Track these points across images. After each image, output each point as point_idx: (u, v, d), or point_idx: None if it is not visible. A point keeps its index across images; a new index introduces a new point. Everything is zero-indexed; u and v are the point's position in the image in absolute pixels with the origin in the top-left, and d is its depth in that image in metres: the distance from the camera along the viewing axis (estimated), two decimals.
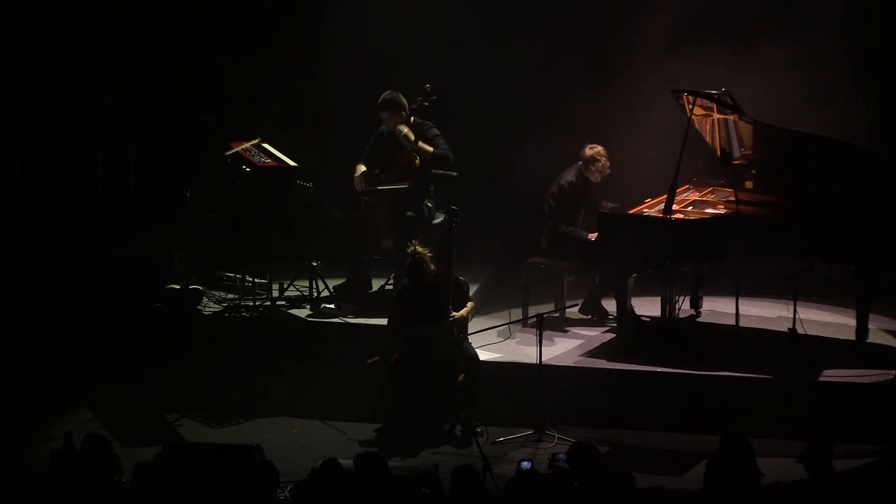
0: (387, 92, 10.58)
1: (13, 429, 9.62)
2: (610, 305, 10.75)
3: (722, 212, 10.18)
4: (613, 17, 12.20)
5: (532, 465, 7.16)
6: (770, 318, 10.76)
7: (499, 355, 10.08)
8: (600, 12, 12.21)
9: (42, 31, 12.64)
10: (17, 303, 10.83)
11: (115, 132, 12.37)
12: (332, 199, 11.03)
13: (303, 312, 10.65)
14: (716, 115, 10.29)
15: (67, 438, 7.40)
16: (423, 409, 9.46)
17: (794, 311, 10.05)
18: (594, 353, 10.14)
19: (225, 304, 10.73)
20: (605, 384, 9.74)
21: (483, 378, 9.53)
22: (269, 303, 10.71)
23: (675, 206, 9.93)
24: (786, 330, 10.18)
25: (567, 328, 10.60)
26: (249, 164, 10.49)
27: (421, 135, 10.51)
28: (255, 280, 10.81)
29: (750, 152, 10.41)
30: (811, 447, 6.96)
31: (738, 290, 9.75)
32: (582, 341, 10.40)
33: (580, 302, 10.89)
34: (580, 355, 10.10)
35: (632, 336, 10.20)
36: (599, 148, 10.66)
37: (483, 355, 9.77)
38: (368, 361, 9.70)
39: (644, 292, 10.81)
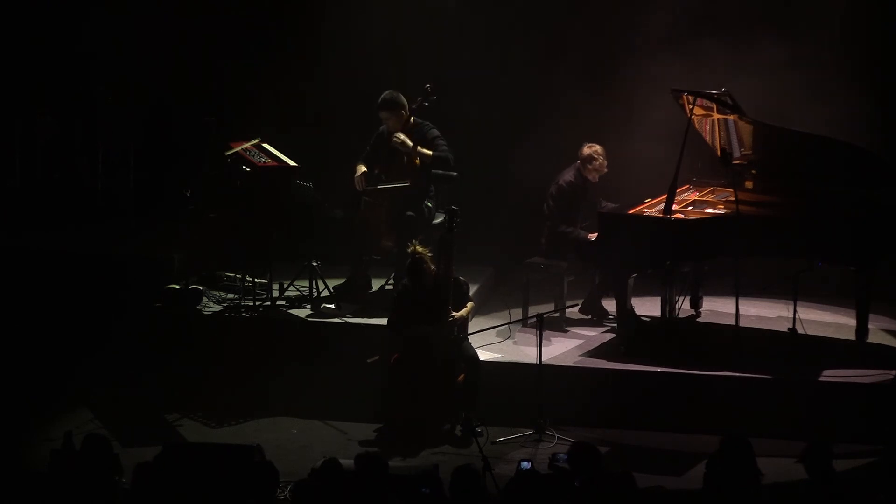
0: (386, 92, 10.58)
1: (13, 429, 9.62)
2: (610, 305, 10.75)
3: (722, 212, 10.18)
4: (613, 17, 12.21)
5: (532, 465, 7.16)
6: (770, 318, 10.76)
7: (499, 355, 10.08)
8: (600, 12, 12.22)
9: (42, 31, 12.64)
10: (17, 303, 10.83)
11: (115, 132, 12.39)
12: (332, 199, 11.04)
13: (303, 312, 10.65)
14: (716, 115, 10.29)
15: (67, 438, 7.40)
16: (423, 409, 9.45)
17: (794, 311, 10.05)
18: (594, 353, 10.14)
19: (225, 304, 10.73)
20: (605, 384, 9.74)
21: (483, 378, 9.53)
22: (269, 303, 10.71)
23: (675, 206, 9.93)
24: (786, 330, 10.19)
25: (567, 328, 10.60)
26: (249, 164, 10.49)
27: (420, 135, 10.51)
28: (255, 280, 10.81)
29: (750, 152, 10.41)
30: (811, 447, 6.96)
31: (738, 290, 9.75)
32: (582, 341, 10.40)
33: (580, 302, 10.89)
34: (580, 355, 10.10)
35: (632, 336, 10.20)
36: (597, 147, 10.66)
37: (483, 355, 9.77)
38: (368, 361, 9.70)
39: (644, 292, 10.81)
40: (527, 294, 10.67)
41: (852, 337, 9.94)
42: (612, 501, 6.62)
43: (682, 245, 9.89)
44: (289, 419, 9.81)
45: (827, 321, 10.76)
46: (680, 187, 10.26)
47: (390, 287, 10.76)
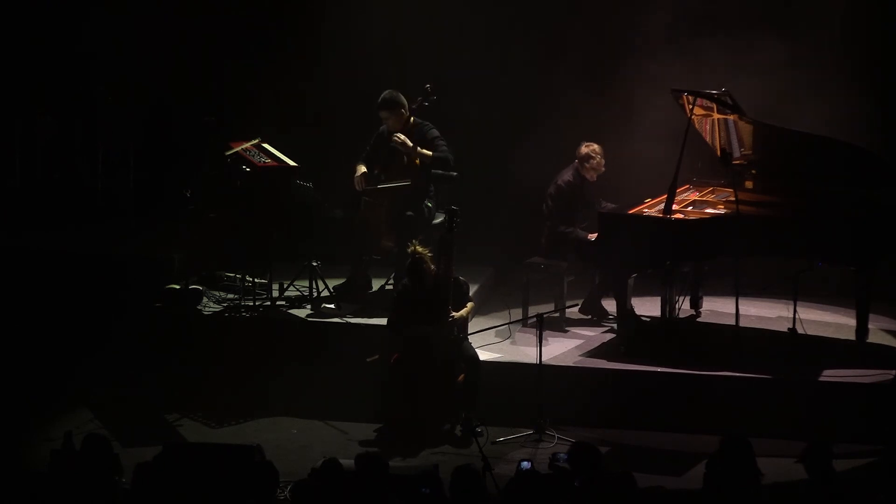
0: (386, 91, 10.58)
1: (13, 429, 9.62)
2: (610, 305, 10.75)
3: (722, 212, 10.18)
4: (613, 16, 12.21)
5: (532, 465, 7.16)
6: (770, 318, 10.76)
7: (499, 355, 10.07)
8: (600, 12, 12.22)
9: (42, 31, 12.64)
10: (17, 303, 10.83)
11: (115, 132, 12.39)
12: (332, 199, 11.04)
13: (303, 312, 10.65)
14: (716, 115, 10.29)
15: (67, 438, 7.39)
16: (423, 409, 9.45)
17: (794, 311, 10.05)
18: (594, 353, 10.14)
19: (225, 304, 10.73)
20: (605, 384, 9.74)
21: (483, 378, 9.53)
22: (269, 303, 10.71)
23: (675, 206, 9.93)
24: (786, 330, 10.19)
25: (567, 328, 10.60)
26: (249, 164, 10.49)
27: (420, 135, 10.51)
28: (255, 280, 10.81)
29: (750, 152, 10.41)
30: (811, 447, 6.96)
31: (738, 290, 9.75)
32: (582, 341, 10.40)
33: (580, 302, 10.89)
34: (580, 355, 10.09)
35: (632, 336, 10.19)
36: (595, 146, 10.67)
37: (483, 355, 9.77)
38: (368, 360, 9.70)
39: (644, 292, 10.81)
40: (527, 294, 10.67)
41: (852, 337, 9.94)
42: (612, 501, 6.62)
43: (682, 245, 9.89)
44: (289, 419, 9.81)
45: (827, 321, 10.76)
46: (680, 187, 10.26)
47: (390, 287, 10.75)
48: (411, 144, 10.45)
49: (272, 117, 11.81)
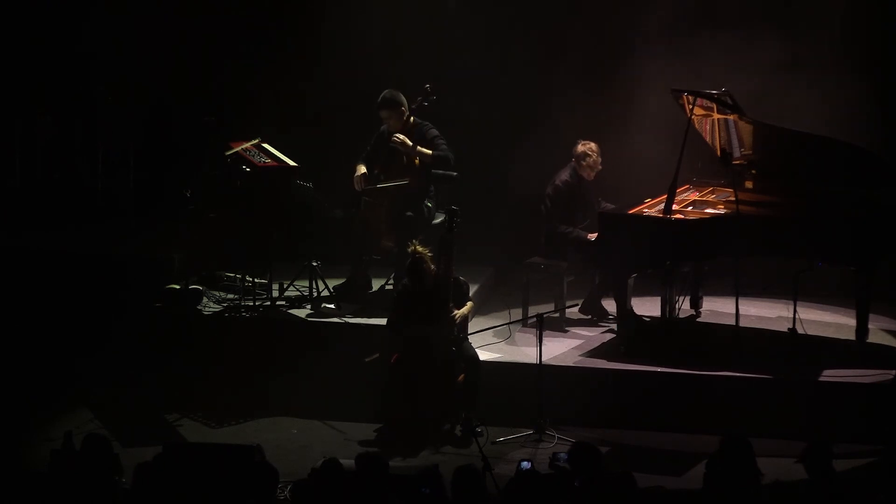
0: (386, 91, 10.59)
1: (13, 429, 9.62)
2: (610, 305, 10.75)
3: (722, 212, 10.18)
4: (613, 16, 12.20)
5: (532, 465, 7.16)
6: (770, 318, 10.76)
7: (499, 355, 10.07)
8: (600, 12, 12.21)
9: (42, 31, 12.64)
10: (17, 303, 10.83)
11: (115, 132, 12.39)
12: (332, 199, 11.04)
13: (303, 312, 10.65)
14: (716, 115, 10.29)
15: (67, 438, 7.39)
16: (423, 408, 9.45)
17: (794, 311, 10.05)
18: (594, 353, 10.14)
19: (225, 304, 10.73)
20: (605, 384, 9.74)
21: (483, 378, 9.53)
22: (269, 303, 10.71)
23: (675, 206, 9.93)
24: (786, 330, 10.19)
25: (567, 328, 10.60)
26: (249, 164, 10.49)
27: (420, 135, 10.52)
28: (255, 280, 10.81)
29: (750, 152, 10.41)
30: (811, 447, 6.96)
31: (738, 290, 9.75)
32: (582, 341, 10.40)
33: (580, 302, 10.89)
34: (580, 355, 10.09)
35: (632, 336, 10.19)
36: (591, 144, 10.67)
37: (483, 355, 9.77)
38: (367, 360, 9.69)
39: (644, 292, 10.81)
40: (527, 294, 10.67)
41: (852, 337, 9.94)
42: (612, 501, 6.62)
43: (682, 245, 9.89)
44: (289, 419, 9.81)
45: (827, 321, 10.76)
46: (680, 187, 10.26)
47: (390, 287, 10.76)
48: (411, 144, 10.45)
49: (272, 117, 11.81)
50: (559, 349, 10.13)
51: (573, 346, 10.29)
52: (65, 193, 12.39)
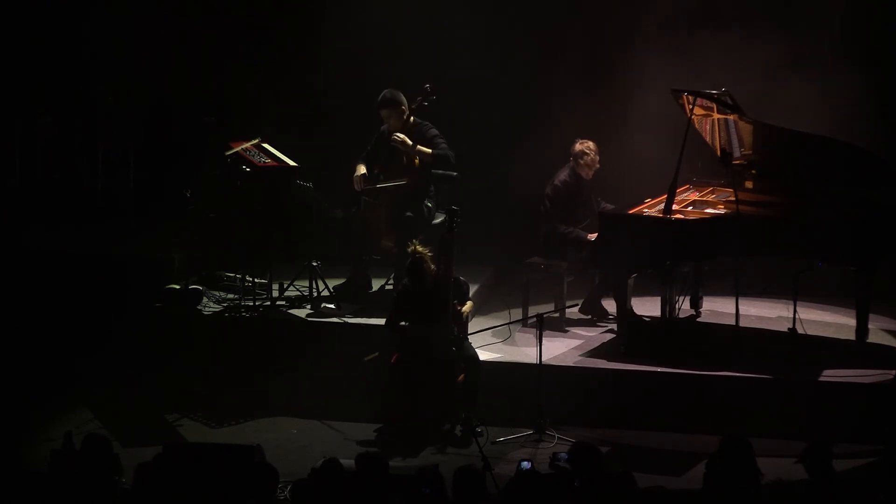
0: (386, 90, 10.60)
1: (13, 429, 9.62)
2: (610, 305, 10.75)
3: (722, 212, 10.18)
4: (613, 16, 12.20)
5: (532, 465, 7.16)
6: (770, 318, 10.76)
7: (499, 355, 10.07)
8: (600, 12, 12.21)
9: (42, 31, 12.64)
10: (17, 303, 10.83)
11: (115, 132, 12.39)
12: (332, 199, 11.04)
13: (303, 312, 10.65)
14: (716, 115, 10.29)
15: (67, 438, 7.39)
16: (424, 408, 9.45)
17: (794, 311, 10.05)
18: (594, 353, 10.14)
19: (225, 304, 10.73)
20: (605, 384, 9.74)
21: (483, 378, 9.53)
22: (269, 303, 10.71)
23: (675, 206, 9.93)
24: (786, 330, 10.19)
25: (567, 328, 10.59)
26: (249, 164, 10.49)
27: (420, 135, 10.52)
28: (255, 280, 10.81)
29: (750, 152, 10.41)
30: (811, 447, 6.96)
31: (738, 290, 9.75)
32: (582, 341, 10.40)
33: (580, 302, 10.89)
34: (580, 355, 10.09)
35: (632, 336, 10.19)
36: (589, 143, 10.68)
37: (483, 355, 9.77)
38: (366, 359, 9.68)
39: (644, 292, 10.81)
40: (527, 294, 10.67)
41: (852, 337, 9.94)
42: (612, 501, 6.62)
43: (682, 245, 9.89)
44: (289, 419, 9.81)
45: (827, 321, 10.76)
46: (680, 187, 10.26)
47: (390, 287, 10.76)
48: (411, 143, 10.45)
49: (272, 117, 11.81)
50: (559, 349, 10.13)
51: (573, 346, 10.29)
52: (65, 193, 12.39)
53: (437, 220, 10.62)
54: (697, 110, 10.15)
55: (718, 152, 10.40)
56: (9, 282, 10.95)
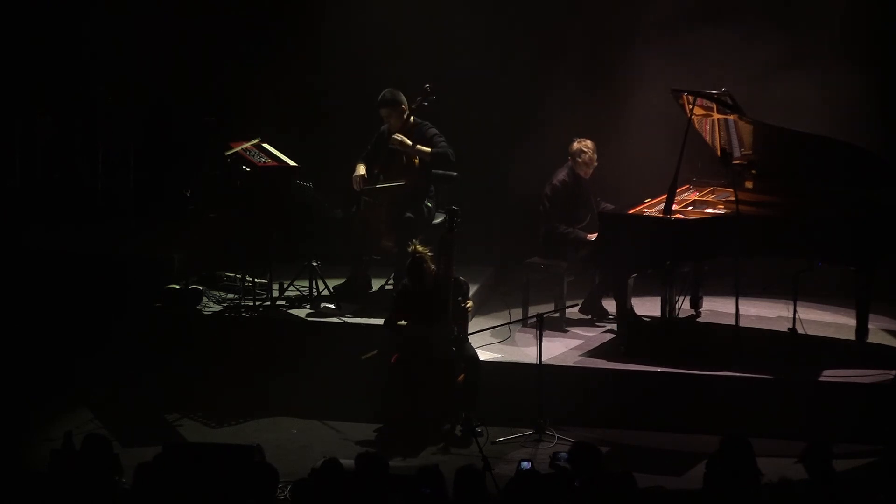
0: (386, 90, 10.60)
1: (13, 429, 9.62)
2: (610, 305, 10.75)
3: (722, 212, 10.18)
4: (613, 16, 12.20)
5: (532, 465, 7.16)
6: (770, 318, 10.76)
7: (499, 355, 10.07)
8: (600, 12, 12.21)
9: (42, 31, 12.63)
10: (17, 303, 10.83)
11: (115, 132, 12.38)
12: (333, 199, 11.04)
13: (303, 312, 10.65)
14: (716, 115, 10.29)
15: (67, 438, 7.39)
16: (424, 408, 9.45)
17: (794, 311, 10.05)
18: (594, 353, 10.14)
19: (225, 304, 10.73)
20: (605, 384, 9.74)
21: (483, 378, 9.53)
22: (269, 303, 10.71)
23: (675, 206, 9.93)
24: (786, 330, 10.19)
25: (567, 328, 10.60)
26: (249, 164, 10.49)
27: (420, 135, 10.53)
28: (255, 280, 10.81)
29: (750, 152, 10.41)
30: (811, 447, 6.96)
31: (738, 290, 9.75)
32: (582, 341, 10.40)
33: (580, 302, 10.89)
34: (580, 355, 10.09)
35: (632, 336, 10.19)
36: (587, 141, 10.68)
37: (483, 355, 9.77)
38: (363, 357, 9.67)
39: (644, 292, 10.81)
40: (527, 294, 10.67)
41: (852, 337, 9.94)
42: (613, 501, 6.62)
43: (682, 245, 9.89)
44: (289, 419, 9.81)
45: (827, 321, 10.76)
46: (680, 187, 10.26)
47: (390, 287, 10.76)
48: (410, 143, 10.45)
49: (272, 117, 11.81)
50: (559, 349, 10.13)
51: (573, 346, 10.29)
52: (65, 193, 12.39)
53: (437, 220, 10.62)
54: (697, 110, 10.15)
55: (718, 152, 10.40)
56: (9, 282, 10.95)
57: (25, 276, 10.98)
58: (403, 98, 10.56)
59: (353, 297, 10.66)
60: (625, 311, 10.23)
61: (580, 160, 10.66)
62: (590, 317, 10.89)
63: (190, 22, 12.23)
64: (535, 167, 11.37)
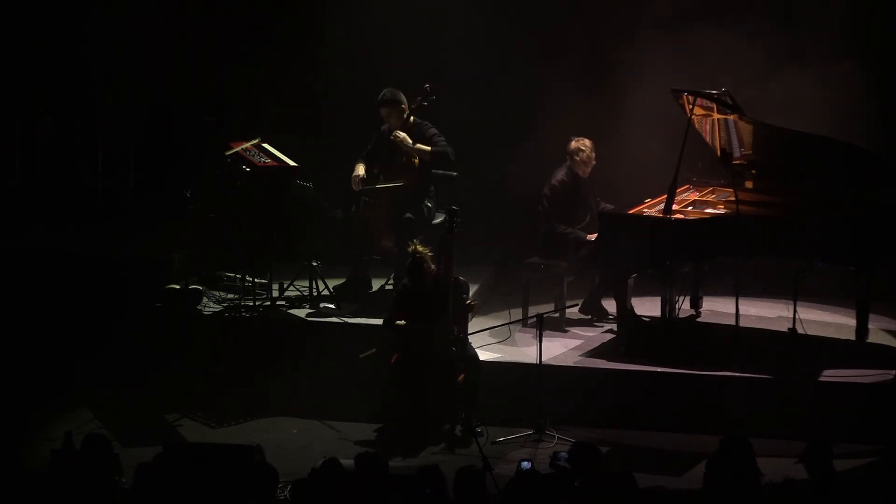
0: (386, 89, 10.61)
1: (13, 429, 9.62)
2: (610, 305, 10.75)
3: (722, 212, 10.18)
4: (613, 16, 12.20)
5: (532, 465, 7.16)
6: (770, 318, 10.75)
7: (499, 355, 10.07)
8: (600, 12, 12.21)
9: (42, 31, 12.63)
10: (17, 303, 10.83)
11: (115, 132, 12.39)
12: (333, 199, 11.04)
13: (303, 312, 10.65)
14: (716, 115, 10.29)
15: (67, 438, 7.39)
16: (424, 408, 9.45)
17: (794, 311, 10.05)
18: (594, 353, 10.14)
19: (225, 304, 10.73)
20: (605, 384, 9.74)
21: (483, 378, 9.53)
22: (269, 303, 10.71)
23: (675, 206, 9.93)
24: (786, 330, 10.19)
25: (567, 328, 10.59)
26: (249, 164, 10.49)
27: (419, 134, 10.53)
28: (255, 280, 10.81)
29: (750, 152, 10.41)
30: (811, 447, 6.95)
31: (738, 290, 9.75)
32: (582, 341, 10.40)
33: (580, 302, 10.89)
34: (580, 355, 10.09)
35: (632, 336, 10.19)
36: (585, 140, 10.68)
37: (483, 355, 9.77)
38: (361, 355, 9.67)
39: (644, 292, 10.81)
40: (527, 294, 10.67)
41: (852, 337, 9.94)
42: (612, 501, 6.62)
43: (682, 245, 9.89)
44: (289, 419, 9.81)
45: (827, 321, 10.76)
46: (680, 187, 10.26)
47: (390, 287, 10.76)
48: (411, 142, 10.45)
49: (272, 117, 11.81)
50: (559, 349, 10.13)
51: (573, 346, 10.29)
52: (65, 193, 12.39)
53: (437, 220, 10.62)
54: (697, 110, 10.14)
55: (718, 152, 10.40)
56: (9, 282, 10.95)
57: (25, 276, 10.98)
58: (403, 98, 10.56)
59: (353, 297, 10.66)
60: (625, 311, 10.23)
61: (578, 159, 10.66)
62: (590, 317, 10.89)
63: (190, 22, 12.24)
64: (534, 167, 11.37)
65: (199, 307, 10.68)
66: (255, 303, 10.65)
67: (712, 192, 10.67)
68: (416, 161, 10.52)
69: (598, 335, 10.55)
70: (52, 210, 12.20)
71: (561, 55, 12.20)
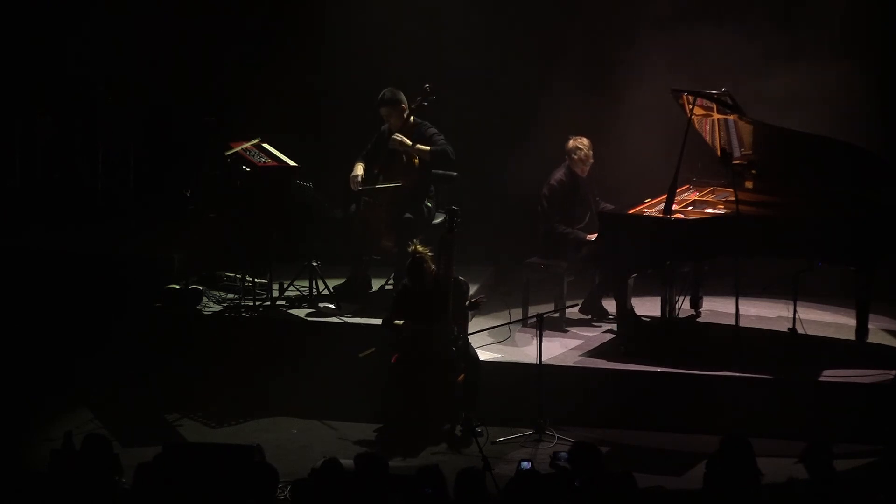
0: (386, 89, 10.61)
1: (13, 429, 9.62)
2: (610, 305, 10.75)
3: (722, 212, 10.18)
4: (613, 16, 12.20)
5: (532, 465, 7.16)
6: (770, 318, 10.75)
7: (499, 355, 10.07)
8: (600, 12, 12.21)
9: (42, 31, 12.63)
10: (17, 303, 10.83)
11: (115, 132, 12.40)
12: (333, 199, 11.04)
13: (303, 312, 10.65)
14: (716, 115, 10.29)
15: (67, 438, 7.39)
16: (424, 408, 9.45)
17: (794, 311, 10.04)
18: (594, 353, 10.14)
19: (225, 304, 10.73)
20: (605, 384, 9.74)
21: (483, 378, 9.53)
22: (269, 303, 10.71)
23: (675, 206, 9.93)
24: (786, 330, 10.18)
25: (567, 328, 10.59)
26: (249, 164, 10.49)
27: (419, 134, 10.53)
28: (255, 280, 10.81)
29: (750, 152, 10.41)
30: (811, 447, 6.95)
31: (738, 290, 9.75)
32: (582, 341, 10.40)
33: (580, 302, 10.89)
34: (580, 355, 10.09)
35: (632, 336, 10.19)
36: (582, 139, 10.68)
37: (483, 355, 9.77)
38: (361, 355, 9.67)
39: (644, 292, 10.81)
40: (527, 294, 10.67)
41: (852, 337, 9.94)
42: (612, 501, 6.62)
43: (682, 245, 9.89)
44: (289, 419, 9.81)
45: (827, 321, 10.76)
46: (680, 187, 10.26)
47: (390, 287, 10.76)
48: (409, 143, 10.46)
49: (272, 117, 11.81)
50: (559, 349, 10.13)
51: (573, 346, 10.29)
52: (65, 193, 12.39)
53: (437, 220, 10.63)
54: (697, 110, 10.14)
55: (718, 152, 10.40)
56: (9, 282, 10.95)
57: (25, 276, 10.98)
58: (403, 97, 10.57)
59: (353, 297, 10.66)
60: (625, 311, 10.23)
61: (576, 157, 10.66)
62: (590, 317, 10.89)
63: (190, 22, 12.24)
64: (534, 167, 11.36)
65: (199, 307, 10.68)
66: (255, 303, 10.65)
67: (712, 192, 10.67)
68: (416, 161, 10.53)
69: (598, 335, 10.55)
70: (52, 210, 12.20)
71: (561, 55, 12.20)
